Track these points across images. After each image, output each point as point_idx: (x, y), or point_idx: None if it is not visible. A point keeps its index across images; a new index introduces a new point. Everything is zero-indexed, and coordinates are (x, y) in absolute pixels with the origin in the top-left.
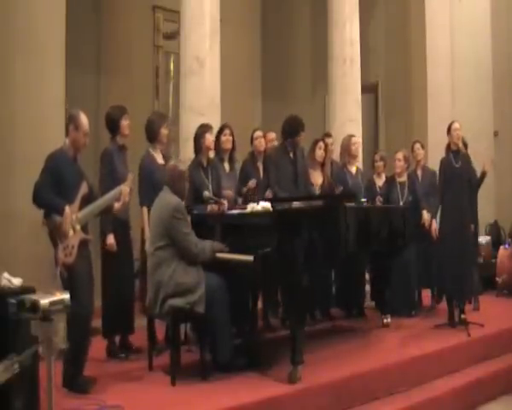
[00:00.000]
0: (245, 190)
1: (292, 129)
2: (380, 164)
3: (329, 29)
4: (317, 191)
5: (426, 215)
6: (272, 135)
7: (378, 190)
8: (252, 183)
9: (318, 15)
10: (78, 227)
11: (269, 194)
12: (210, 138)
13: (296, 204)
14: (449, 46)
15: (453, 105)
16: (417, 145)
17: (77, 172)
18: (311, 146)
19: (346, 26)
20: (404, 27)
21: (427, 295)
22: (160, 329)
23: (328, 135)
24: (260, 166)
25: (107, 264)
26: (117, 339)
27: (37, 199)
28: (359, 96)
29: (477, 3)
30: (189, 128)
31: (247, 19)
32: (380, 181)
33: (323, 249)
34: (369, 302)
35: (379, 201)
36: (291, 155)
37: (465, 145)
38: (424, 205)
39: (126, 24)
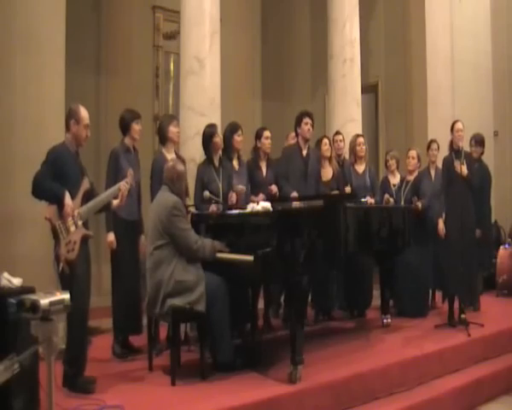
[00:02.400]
0: (255, 199)
1: (296, 119)
2: (392, 162)
3: (329, 29)
4: (329, 185)
5: (419, 204)
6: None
7: (393, 188)
8: (261, 196)
9: (318, 15)
10: (79, 223)
11: (274, 188)
12: (218, 141)
13: (296, 204)
14: (449, 46)
15: (453, 105)
16: (435, 145)
17: (78, 168)
18: (315, 145)
19: (346, 26)
20: (404, 27)
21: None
22: (160, 329)
23: (338, 133)
24: (263, 165)
25: (116, 264)
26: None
27: (36, 189)
28: (359, 96)
29: (477, 3)
30: (189, 128)
31: (247, 19)
32: (394, 180)
33: (323, 249)
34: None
35: (388, 200)
36: (304, 152)
37: (482, 142)
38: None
39: (126, 24)
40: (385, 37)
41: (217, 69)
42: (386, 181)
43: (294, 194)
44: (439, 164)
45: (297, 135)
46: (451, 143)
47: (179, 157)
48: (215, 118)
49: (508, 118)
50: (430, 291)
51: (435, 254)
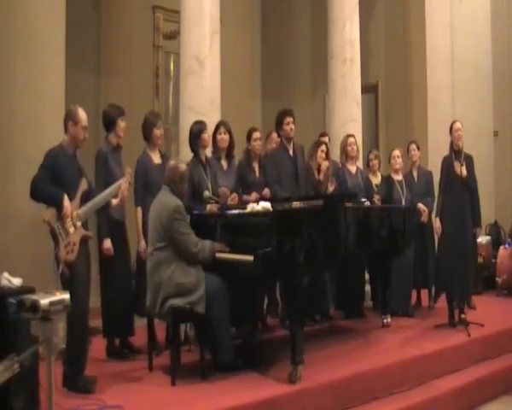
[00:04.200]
0: (246, 198)
1: (277, 121)
2: (375, 162)
3: (329, 29)
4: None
5: (422, 206)
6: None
7: (375, 188)
8: (254, 195)
9: (318, 15)
10: (78, 224)
11: (267, 192)
12: (206, 138)
13: (296, 204)
14: (449, 46)
15: (453, 105)
16: (413, 146)
17: (76, 169)
18: (312, 146)
19: (346, 26)
20: (404, 27)
21: (425, 294)
22: (161, 329)
23: (324, 135)
24: (256, 166)
25: (105, 266)
26: (116, 339)
27: (35, 192)
28: (359, 96)
29: (477, 3)
30: (188, 128)
31: (247, 19)
32: (376, 180)
33: (323, 249)
34: (368, 302)
35: (377, 200)
36: (290, 152)
37: None
38: (420, 203)
39: (126, 24)
40: (385, 37)
41: (217, 69)
42: (368, 181)
43: None
44: (428, 163)
45: (279, 136)
46: (452, 144)
47: (163, 157)
48: (215, 118)
49: (508, 118)
50: (433, 290)
51: (423, 253)
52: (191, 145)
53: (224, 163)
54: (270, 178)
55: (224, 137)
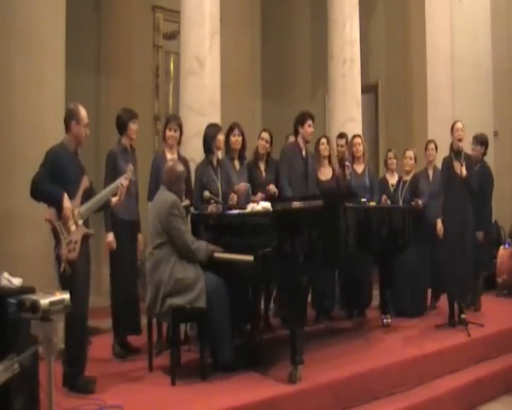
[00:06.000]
0: (254, 199)
1: (299, 119)
2: (394, 161)
3: (329, 29)
4: (328, 185)
5: (420, 202)
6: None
7: (391, 188)
8: (259, 196)
9: (318, 15)
10: (80, 222)
11: (272, 188)
12: (221, 140)
13: (296, 204)
14: (449, 46)
15: (453, 105)
16: (432, 145)
17: (78, 167)
18: (315, 145)
19: (346, 26)
20: (404, 27)
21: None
22: (161, 329)
23: (341, 136)
24: (262, 165)
25: (115, 265)
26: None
27: (35, 191)
28: (359, 96)
29: (477, 3)
30: (189, 128)
31: (247, 19)
32: (393, 179)
33: (323, 249)
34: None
35: (385, 200)
36: (303, 153)
37: (484, 142)
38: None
39: (126, 24)
40: (385, 37)
41: (217, 69)
42: (384, 181)
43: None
44: (438, 164)
45: (296, 134)
46: (452, 144)
47: (181, 158)
48: (215, 118)
49: (508, 118)
50: (430, 290)
51: (433, 254)
52: (205, 147)
53: (236, 164)
54: (282, 171)
55: (237, 139)
